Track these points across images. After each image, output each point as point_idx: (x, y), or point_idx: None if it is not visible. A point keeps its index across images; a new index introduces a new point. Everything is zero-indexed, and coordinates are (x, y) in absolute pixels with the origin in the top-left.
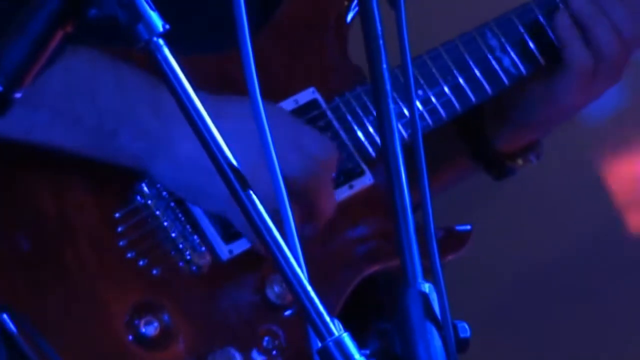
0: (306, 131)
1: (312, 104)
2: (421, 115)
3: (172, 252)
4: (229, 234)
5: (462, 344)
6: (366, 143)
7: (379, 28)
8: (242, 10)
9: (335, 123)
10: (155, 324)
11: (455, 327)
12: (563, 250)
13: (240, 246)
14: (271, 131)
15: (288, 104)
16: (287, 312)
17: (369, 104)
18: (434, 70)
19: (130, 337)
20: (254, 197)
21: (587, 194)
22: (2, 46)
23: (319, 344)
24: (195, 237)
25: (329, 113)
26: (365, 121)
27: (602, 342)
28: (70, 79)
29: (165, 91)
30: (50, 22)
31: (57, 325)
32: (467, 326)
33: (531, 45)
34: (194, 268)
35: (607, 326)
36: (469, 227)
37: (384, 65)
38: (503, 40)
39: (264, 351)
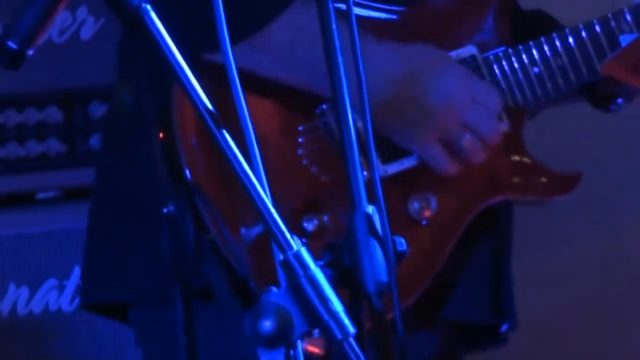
0: (479, 84)
1: (471, 58)
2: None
3: (338, 163)
4: (385, 157)
5: (400, 256)
6: (508, 96)
7: None
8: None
9: (487, 77)
10: (315, 222)
11: (394, 242)
12: None
13: (393, 168)
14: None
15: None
16: (423, 223)
17: (514, 62)
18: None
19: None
20: (227, 135)
21: None
22: (17, 14)
23: (281, 257)
24: None
25: (483, 68)
26: (510, 77)
27: None
28: (294, 31)
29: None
30: None
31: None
32: (403, 241)
33: None
34: None
35: None
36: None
37: (334, 25)
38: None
39: None
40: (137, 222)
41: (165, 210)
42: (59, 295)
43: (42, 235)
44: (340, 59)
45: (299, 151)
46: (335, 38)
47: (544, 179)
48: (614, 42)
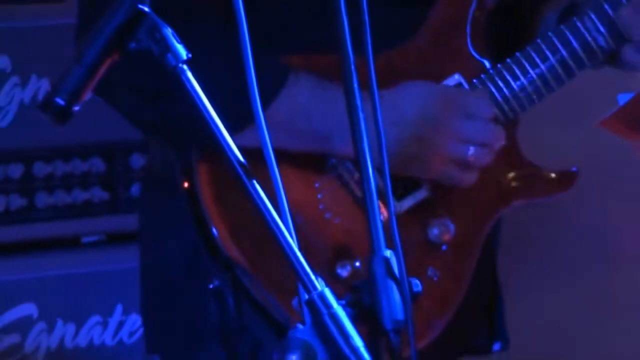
0: (465, 96)
1: (458, 87)
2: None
3: (357, 211)
4: (398, 195)
5: (415, 296)
6: (499, 113)
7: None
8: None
9: None
10: (348, 267)
11: (410, 284)
12: None
13: (407, 203)
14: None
15: None
16: (444, 248)
17: (499, 81)
18: (545, 48)
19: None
20: (257, 185)
21: None
22: (64, 72)
23: (306, 296)
24: None
25: None
26: (497, 96)
27: None
28: (291, 105)
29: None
30: (102, 53)
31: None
32: (419, 282)
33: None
34: None
35: None
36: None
37: (355, 84)
38: (598, 23)
39: (427, 279)
40: (185, 294)
41: (211, 285)
42: (103, 330)
43: (87, 276)
44: (361, 115)
45: (320, 206)
46: (357, 96)
47: (545, 181)
48: (588, 49)
